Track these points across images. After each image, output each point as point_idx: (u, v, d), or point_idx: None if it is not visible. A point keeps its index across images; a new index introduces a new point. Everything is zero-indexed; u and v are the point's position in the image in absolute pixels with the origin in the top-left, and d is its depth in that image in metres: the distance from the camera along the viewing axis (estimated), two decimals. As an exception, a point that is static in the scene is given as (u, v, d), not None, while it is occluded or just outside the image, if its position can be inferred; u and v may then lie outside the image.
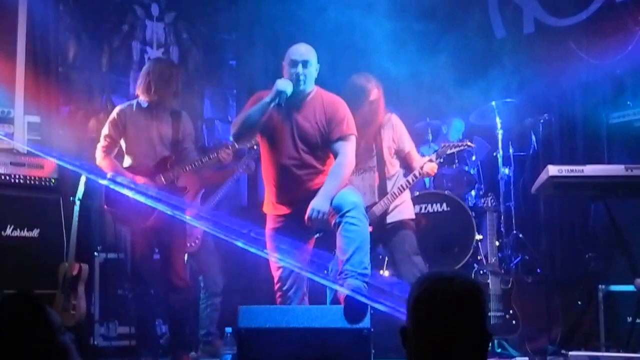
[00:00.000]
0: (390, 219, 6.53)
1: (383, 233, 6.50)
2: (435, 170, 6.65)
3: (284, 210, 5.88)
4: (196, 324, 7.44)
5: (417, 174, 6.54)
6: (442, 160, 6.75)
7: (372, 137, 6.56)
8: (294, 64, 5.77)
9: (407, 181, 6.56)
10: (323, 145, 5.82)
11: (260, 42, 8.73)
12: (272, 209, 5.94)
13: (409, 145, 6.74)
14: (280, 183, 5.86)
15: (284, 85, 5.68)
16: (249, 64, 8.88)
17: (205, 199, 7.61)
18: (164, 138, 6.47)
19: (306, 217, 5.52)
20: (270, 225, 5.93)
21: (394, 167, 6.67)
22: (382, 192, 6.53)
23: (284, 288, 5.80)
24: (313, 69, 5.84)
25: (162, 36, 8.75)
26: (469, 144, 6.98)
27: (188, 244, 7.22)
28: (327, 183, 5.67)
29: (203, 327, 7.44)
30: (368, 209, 6.34)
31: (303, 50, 5.85)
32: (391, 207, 6.52)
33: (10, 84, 7.62)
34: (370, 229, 5.78)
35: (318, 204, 5.52)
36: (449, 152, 6.79)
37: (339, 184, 5.67)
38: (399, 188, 6.51)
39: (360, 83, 6.39)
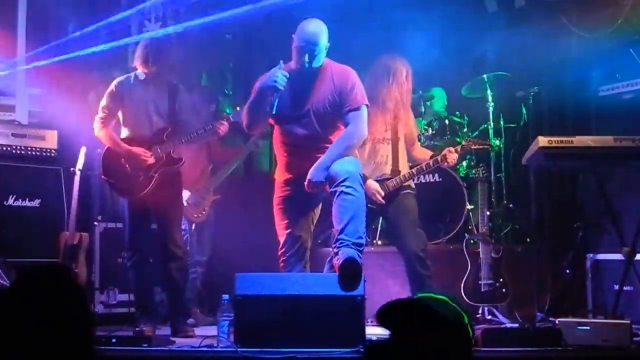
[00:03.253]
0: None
1: (385, 204, 6.59)
2: (455, 161, 6.79)
3: (292, 180, 5.97)
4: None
5: (439, 160, 6.67)
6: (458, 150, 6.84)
7: (393, 113, 6.68)
8: (301, 50, 5.79)
9: (428, 164, 6.70)
10: (331, 117, 5.87)
11: (256, 16, 8.75)
12: (281, 176, 6.06)
13: (416, 132, 6.99)
14: (289, 154, 6.00)
15: (271, 79, 5.73)
16: (245, 38, 8.93)
17: (213, 174, 7.76)
18: (160, 110, 6.53)
19: (305, 184, 5.64)
20: (278, 193, 6.05)
21: (404, 144, 6.81)
22: (395, 165, 6.67)
23: (288, 254, 5.94)
24: (320, 48, 5.82)
25: (160, 10, 8.76)
26: (490, 144, 7.16)
27: (195, 215, 7.39)
28: (329, 150, 5.74)
29: None
30: (382, 182, 6.55)
31: (310, 33, 5.81)
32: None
33: (11, 57, 7.69)
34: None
35: (313, 174, 5.63)
36: (473, 147, 6.97)
37: (341, 153, 5.70)
38: (417, 169, 6.66)
39: (388, 63, 6.58)
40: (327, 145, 5.80)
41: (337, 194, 5.59)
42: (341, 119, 5.86)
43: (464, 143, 6.91)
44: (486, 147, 7.20)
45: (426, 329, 2.47)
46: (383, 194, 6.52)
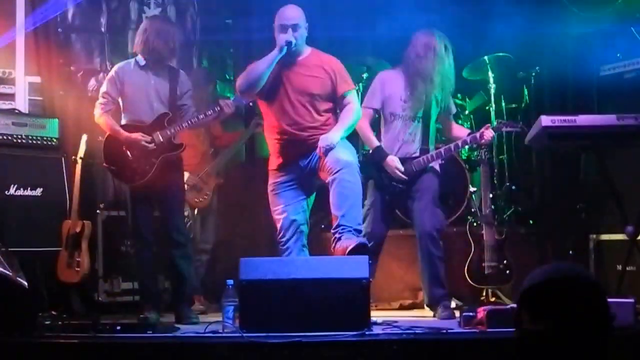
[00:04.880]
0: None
1: (409, 183, 6.57)
2: (491, 138, 6.72)
3: (284, 165, 6.17)
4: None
5: (469, 140, 6.65)
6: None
7: (427, 89, 6.61)
8: (284, 28, 6.09)
9: (457, 144, 6.64)
10: (322, 101, 6.15)
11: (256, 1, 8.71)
12: (274, 162, 6.23)
13: (453, 109, 6.94)
14: (280, 140, 6.17)
15: (290, 36, 6.01)
16: (245, 23, 8.88)
17: (214, 158, 7.72)
18: (161, 96, 6.49)
19: (318, 150, 5.92)
20: (271, 179, 6.22)
21: (436, 123, 6.83)
22: (424, 144, 6.66)
23: (284, 238, 6.09)
24: (303, 30, 6.15)
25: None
26: (523, 127, 7.07)
27: (197, 200, 7.35)
28: (340, 122, 6.13)
29: None
30: (408, 161, 6.54)
31: (291, 14, 6.15)
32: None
33: (10, 45, 7.66)
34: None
35: (329, 137, 5.94)
36: (503, 129, 7.05)
37: (348, 124, 6.13)
38: (445, 149, 6.63)
39: (426, 38, 6.60)
40: (316, 129, 6.09)
41: (335, 181, 5.81)
42: (334, 102, 6.22)
43: (496, 124, 6.90)
44: (519, 129, 7.10)
45: (582, 315, 2.46)
46: (402, 169, 6.47)
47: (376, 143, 6.59)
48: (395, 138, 6.61)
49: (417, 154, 6.60)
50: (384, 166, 6.49)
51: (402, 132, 6.62)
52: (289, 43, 6.01)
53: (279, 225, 6.13)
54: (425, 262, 6.47)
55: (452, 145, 6.65)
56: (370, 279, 5.36)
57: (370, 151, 6.68)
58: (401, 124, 6.62)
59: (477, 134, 6.63)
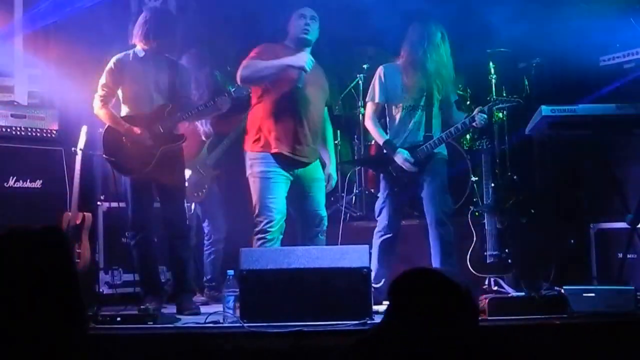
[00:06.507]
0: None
1: (417, 171, 6.61)
2: (484, 122, 6.66)
3: (284, 154, 6.35)
4: (201, 270, 7.56)
5: (467, 122, 6.58)
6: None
7: (425, 78, 6.67)
8: (302, 17, 6.41)
9: (457, 128, 6.60)
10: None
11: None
12: (270, 147, 6.39)
13: (453, 97, 6.92)
14: (285, 128, 6.36)
15: (303, 61, 6.22)
16: (245, 14, 8.86)
17: (211, 148, 7.66)
18: (161, 87, 6.48)
19: (331, 183, 6.83)
20: (266, 167, 6.42)
21: (439, 110, 6.81)
22: (428, 131, 6.66)
23: (273, 229, 6.26)
24: (316, 28, 6.44)
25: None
26: (520, 101, 7.08)
27: (195, 194, 7.32)
28: (332, 151, 6.89)
29: (207, 273, 7.53)
30: (414, 149, 6.58)
31: (310, 10, 6.46)
32: None
33: (9, 37, 7.65)
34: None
35: (335, 175, 6.89)
36: (499, 106, 6.95)
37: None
38: (447, 134, 6.62)
39: (421, 27, 6.69)
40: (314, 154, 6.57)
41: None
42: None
43: (491, 102, 6.87)
44: (515, 102, 7.11)
45: (438, 294, 2.60)
46: (413, 161, 6.53)
47: (385, 137, 6.67)
48: (401, 128, 6.67)
49: (422, 142, 6.62)
50: (394, 159, 6.56)
51: (407, 122, 6.66)
52: (301, 68, 6.23)
53: (269, 214, 6.25)
54: (436, 247, 6.54)
55: (452, 129, 6.65)
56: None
57: (381, 144, 6.76)
58: (405, 114, 6.67)
59: (467, 120, 6.61)
